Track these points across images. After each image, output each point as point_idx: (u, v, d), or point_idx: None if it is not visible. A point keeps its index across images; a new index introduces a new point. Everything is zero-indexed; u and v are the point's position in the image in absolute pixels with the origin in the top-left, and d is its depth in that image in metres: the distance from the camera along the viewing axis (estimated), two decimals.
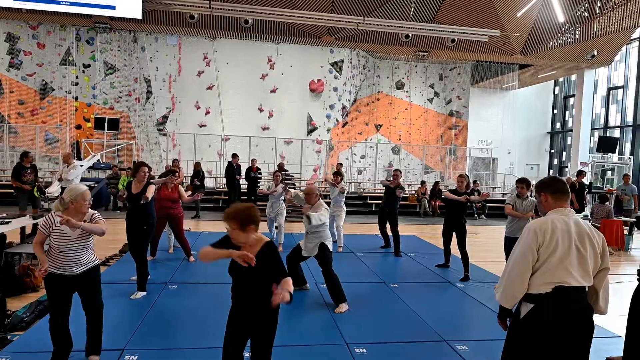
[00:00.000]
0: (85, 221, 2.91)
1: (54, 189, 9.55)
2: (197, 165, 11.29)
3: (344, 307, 4.38)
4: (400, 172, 7.29)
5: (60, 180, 8.25)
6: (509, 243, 5.10)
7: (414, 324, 4.13)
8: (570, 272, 2.11)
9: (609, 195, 9.05)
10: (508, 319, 2.31)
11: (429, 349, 3.60)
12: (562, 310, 2.09)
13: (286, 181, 12.02)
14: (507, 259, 5.28)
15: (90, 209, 3.00)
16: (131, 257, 4.76)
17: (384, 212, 7.33)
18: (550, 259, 2.11)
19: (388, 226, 7.34)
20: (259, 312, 2.34)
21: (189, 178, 11.49)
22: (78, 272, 2.91)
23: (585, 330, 2.14)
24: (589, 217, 8.86)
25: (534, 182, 15.49)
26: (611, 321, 4.21)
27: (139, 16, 12.27)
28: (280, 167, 12.43)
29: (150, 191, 4.54)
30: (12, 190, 8.50)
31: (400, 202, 7.37)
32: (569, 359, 2.12)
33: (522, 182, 5.04)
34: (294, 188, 12.48)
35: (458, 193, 5.76)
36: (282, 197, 7.38)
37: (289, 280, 2.29)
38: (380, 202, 8.14)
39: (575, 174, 10.38)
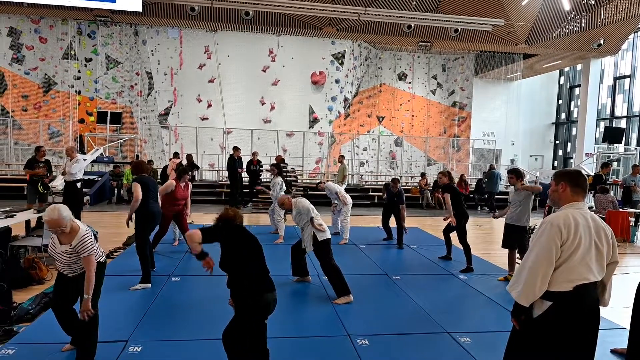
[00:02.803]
0: (71, 245, 2.82)
1: (58, 183, 9.59)
2: (189, 158, 11.42)
3: (343, 299, 4.35)
4: (398, 180, 7.36)
5: (63, 174, 8.27)
6: (509, 230, 5.23)
7: (416, 316, 4.14)
8: (590, 268, 2.08)
9: (611, 186, 8.97)
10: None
11: (431, 341, 3.60)
12: (580, 308, 2.07)
13: (286, 174, 12.04)
14: (504, 245, 5.33)
15: (81, 227, 2.87)
16: (135, 249, 4.81)
17: (389, 207, 7.32)
18: (573, 256, 2.05)
19: (391, 219, 7.36)
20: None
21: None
22: (70, 276, 2.97)
23: (595, 323, 2.14)
24: (594, 208, 8.80)
25: (538, 174, 15.24)
26: (616, 313, 4.20)
27: (139, 9, 12.21)
28: (280, 160, 12.40)
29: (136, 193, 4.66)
30: (20, 184, 8.54)
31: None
32: (579, 352, 2.11)
33: (512, 173, 5.24)
34: (295, 181, 12.49)
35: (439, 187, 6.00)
36: (282, 190, 7.47)
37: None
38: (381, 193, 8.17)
39: (601, 166, 10.36)
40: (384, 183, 7.65)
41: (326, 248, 4.51)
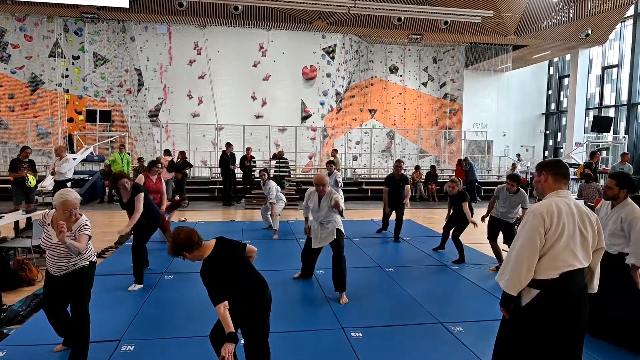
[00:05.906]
0: (71, 230, 2.84)
1: (48, 183, 9.50)
2: (181, 154, 11.35)
3: (345, 297, 4.29)
4: (402, 162, 7.20)
5: (53, 174, 8.18)
6: (498, 223, 5.37)
7: (409, 307, 4.17)
8: (575, 254, 2.10)
9: (601, 175, 9.04)
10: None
11: (425, 331, 3.63)
12: (568, 295, 2.09)
13: (282, 169, 12.01)
14: (489, 237, 5.41)
15: (83, 216, 2.93)
16: (127, 249, 4.77)
17: (393, 191, 7.10)
18: (557, 243, 2.08)
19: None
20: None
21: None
22: (59, 274, 2.91)
23: (585, 309, 2.17)
24: (582, 198, 8.84)
25: (529, 164, 15.40)
26: None
27: (126, 5, 12.04)
28: (279, 155, 12.36)
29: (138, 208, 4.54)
30: (8, 185, 8.42)
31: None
32: (568, 339, 2.13)
33: (514, 180, 5.19)
34: (288, 175, 12.46)
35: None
36: (279, 192, 7.46)
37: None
38: (375, 187, 8.14)
39: (589, 154, 10.45)
40: (384, 178, 7.34)
41: (344, 242, 4.48)
